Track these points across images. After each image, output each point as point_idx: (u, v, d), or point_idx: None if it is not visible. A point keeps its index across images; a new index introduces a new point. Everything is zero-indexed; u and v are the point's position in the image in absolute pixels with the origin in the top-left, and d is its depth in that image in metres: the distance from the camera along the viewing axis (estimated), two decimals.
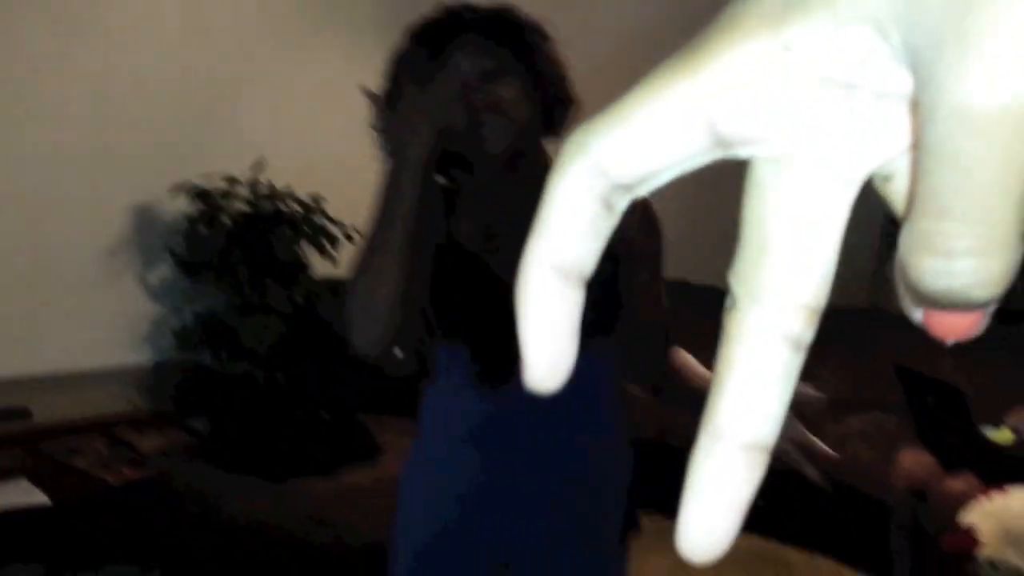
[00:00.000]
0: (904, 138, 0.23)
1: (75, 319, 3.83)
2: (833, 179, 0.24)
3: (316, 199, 3.99)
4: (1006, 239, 0.20)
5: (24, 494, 3.27)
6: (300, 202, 3.99)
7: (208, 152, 3.99)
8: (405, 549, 1.62)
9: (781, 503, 4.14)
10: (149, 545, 3.39)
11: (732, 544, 0.25)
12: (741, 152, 0.24)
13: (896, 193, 0.24)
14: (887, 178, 0.25)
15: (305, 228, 3.93)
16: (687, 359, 1.66)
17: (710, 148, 0.24)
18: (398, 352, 1.54)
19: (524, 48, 1.53)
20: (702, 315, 3.51)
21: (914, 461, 3.23)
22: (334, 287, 3.46)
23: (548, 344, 0.26)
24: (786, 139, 0.24)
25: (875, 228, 5.76)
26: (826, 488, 1.63)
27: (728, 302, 0.25)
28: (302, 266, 3.94)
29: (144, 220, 3.98)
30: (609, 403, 1.63)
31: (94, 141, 3.76)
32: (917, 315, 0.22)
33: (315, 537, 2.98)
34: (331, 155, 4.17)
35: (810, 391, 1.55)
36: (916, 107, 0.21)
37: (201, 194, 3.84)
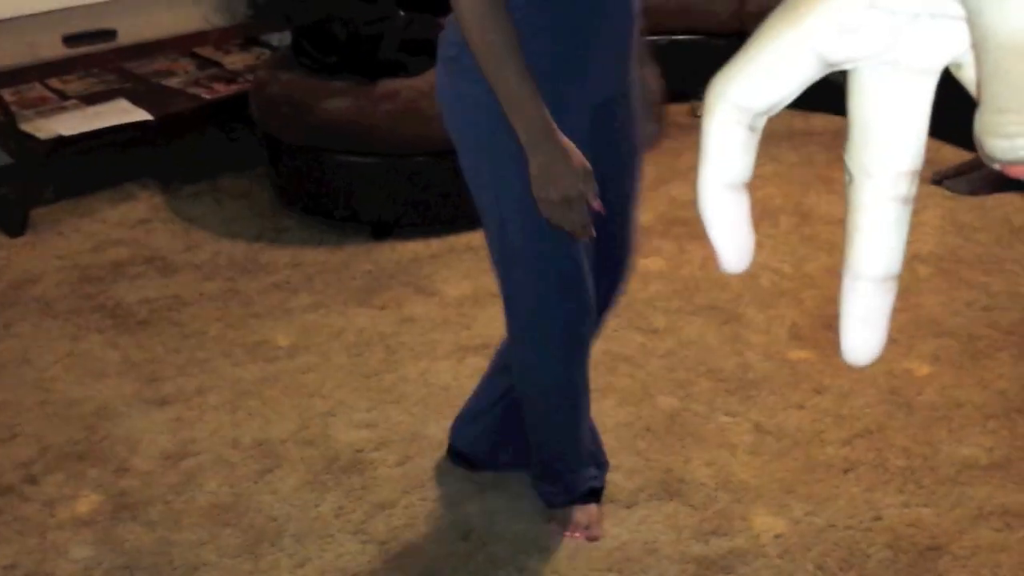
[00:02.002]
0: (965, 41, 0.30)
1: None
2: (915, 73, 0.31)
3: None
4: None
5: (126, 113, 3.42)
6: None
7: None
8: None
9: None
10: (255, 154, 3.57)
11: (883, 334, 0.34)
12: (844, 67, 0.32)
13: (966, 78, 0.32)
14: (959, 67, 0.32)
15: None
16: None
17: (821, 71, 0.32)
18: None
19: None
20: None
21: None
22: None
23: (735, 239, 0.34)
24: (876, 53, 0.31)
25: None
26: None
27: (846, 178, 0.32)
28: None
29: None
30: None
31: None
32: (996, 166, 0.29)
33: (404, 129, 3.10)
34: None
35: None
36: (971, 27, 0.29)
37: None
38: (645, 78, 1.88)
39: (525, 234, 1.75)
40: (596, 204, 1.61)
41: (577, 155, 1.59)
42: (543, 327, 1.88)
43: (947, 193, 3.37)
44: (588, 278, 1.82)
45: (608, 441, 2.25)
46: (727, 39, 4.21)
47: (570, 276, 1.80)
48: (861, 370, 2.55)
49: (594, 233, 1.64)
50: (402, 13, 3.38)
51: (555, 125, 1.57)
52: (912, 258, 3.05)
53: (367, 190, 3.22)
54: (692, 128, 4.04)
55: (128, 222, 3.37)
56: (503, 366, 2.08)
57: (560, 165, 1.57)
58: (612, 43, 1.70)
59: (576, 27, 1.64)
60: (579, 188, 1.58)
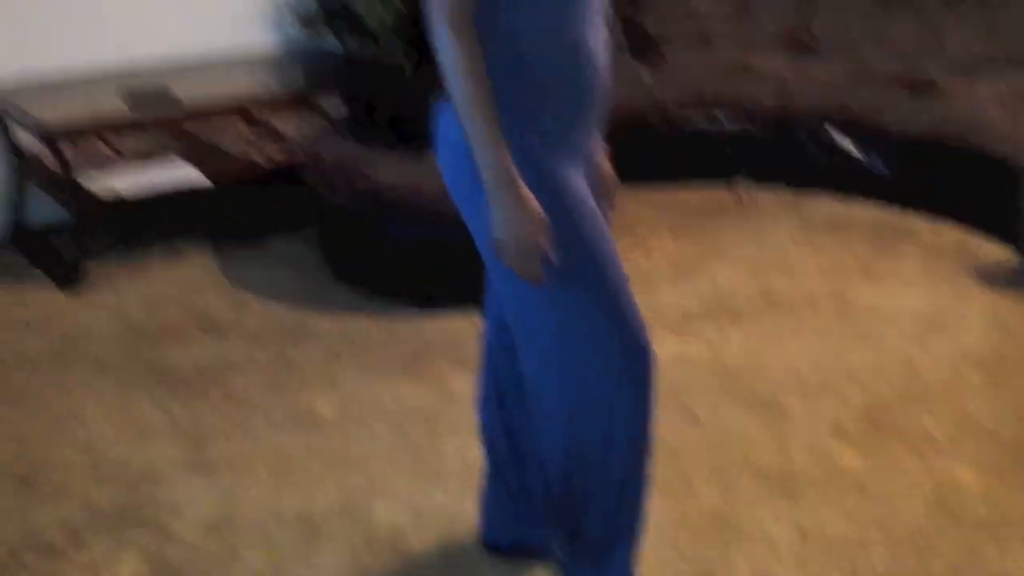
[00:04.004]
0: None
1: (200, 6, 3.90)
2: None
3: None
4: None
5: (182, 172, 3.49)
6: None
7: None
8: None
9: (906, 171, 4.14)
10: (305, 219, 3.62)
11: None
12: None
13: None
14: None
15: None
16: None
17: None
18: None
19: None
20: None
21: None
22: None
23: None
24: None
25: None
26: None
27: None
28: None
29: None
30: None
31: None
32: None
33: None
34: None
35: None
36: None
37: None
38: (603, 162, 1.96)
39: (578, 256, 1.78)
40: (551, 256, 1.70)
41: (534, 205, 1.67)
42: (614, 359, 1.83)
43: (986, 288, 3.37)
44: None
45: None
46: (770, 129, 4.26)
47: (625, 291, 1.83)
48: (906, 474, 2.54)
49: (543, 279, 1.71)
50: None
51: (516, 175, 1.65)
52: (957, 358, 3.04)
53: (416, 261, 3.26)
54: (733, 211, 4.08)
55: (180, 282, 3.43)
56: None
57: (519, 213, 1.65)
58: (595, 111, 1.81)
59: (579, 92, 1.76)
60: (535, 239, 1.66)
